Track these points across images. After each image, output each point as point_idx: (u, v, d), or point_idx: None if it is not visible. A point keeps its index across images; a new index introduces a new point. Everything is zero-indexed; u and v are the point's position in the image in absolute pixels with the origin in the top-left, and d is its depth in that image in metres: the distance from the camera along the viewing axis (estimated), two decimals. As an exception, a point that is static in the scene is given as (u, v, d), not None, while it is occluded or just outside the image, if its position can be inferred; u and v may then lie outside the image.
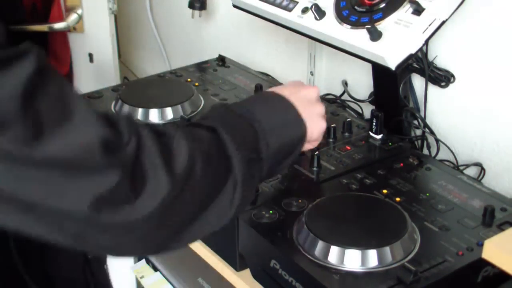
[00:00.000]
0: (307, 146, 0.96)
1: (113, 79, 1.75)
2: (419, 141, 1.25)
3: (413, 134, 1.28)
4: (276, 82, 1.46)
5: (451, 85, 1.21)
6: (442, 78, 1.21)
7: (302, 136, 0.91)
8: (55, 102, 0.63)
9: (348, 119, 1.22)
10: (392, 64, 1.05)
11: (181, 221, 0.72)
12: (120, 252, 0.72)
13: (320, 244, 0.89)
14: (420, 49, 1.08)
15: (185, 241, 0.76)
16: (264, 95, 0.96)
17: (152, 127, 0.72)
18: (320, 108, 0.97)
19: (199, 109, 1.31)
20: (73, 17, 1.70)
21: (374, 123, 1.19)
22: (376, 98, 1.29)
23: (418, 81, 1.26)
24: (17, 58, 0.61)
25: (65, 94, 0.64)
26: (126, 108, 1.28)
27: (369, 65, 1.18)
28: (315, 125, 0.94)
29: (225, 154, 0.77)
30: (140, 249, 0.73)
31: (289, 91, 0.93)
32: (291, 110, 0.90)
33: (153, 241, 0.71)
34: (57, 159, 0.61)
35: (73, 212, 0.63)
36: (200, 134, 0.79)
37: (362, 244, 0.88)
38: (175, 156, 0.70)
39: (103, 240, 0.67)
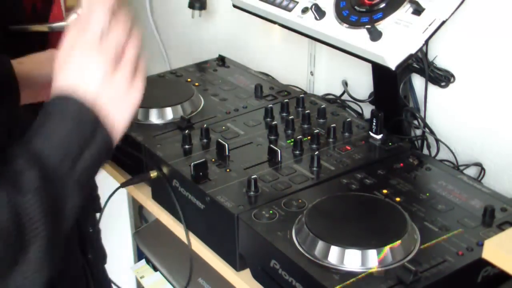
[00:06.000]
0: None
1: (113, 79, 1.75)
2: (419, 141, 1.25)
3: (413, 134, 1.28)
4: (276, 82, 1.46)
5: (451, 85, 1.21)
6: (442, 78, 1.21)
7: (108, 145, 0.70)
8: None
9: (348, 119, 1.22)
10: (392, 64, 1.05)
11: None
12: None
13: (320, 244, 0.89)
14: (420, 49, 1.08)
15: None
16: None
17: None
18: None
19: (199, 109, 1.31)
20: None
21: (374, 123, 1.19)
22: (376, 98, 1.29)
23: (418, 81, 1.26)
24: None
25: None
26: (126, 108, 1.28)
27: (369, 65, 1.18)
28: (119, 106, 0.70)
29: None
30: None
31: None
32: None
33: None
34: None
35: None
36: None
37: (362, 244, 0.88)
38: None
39: None
